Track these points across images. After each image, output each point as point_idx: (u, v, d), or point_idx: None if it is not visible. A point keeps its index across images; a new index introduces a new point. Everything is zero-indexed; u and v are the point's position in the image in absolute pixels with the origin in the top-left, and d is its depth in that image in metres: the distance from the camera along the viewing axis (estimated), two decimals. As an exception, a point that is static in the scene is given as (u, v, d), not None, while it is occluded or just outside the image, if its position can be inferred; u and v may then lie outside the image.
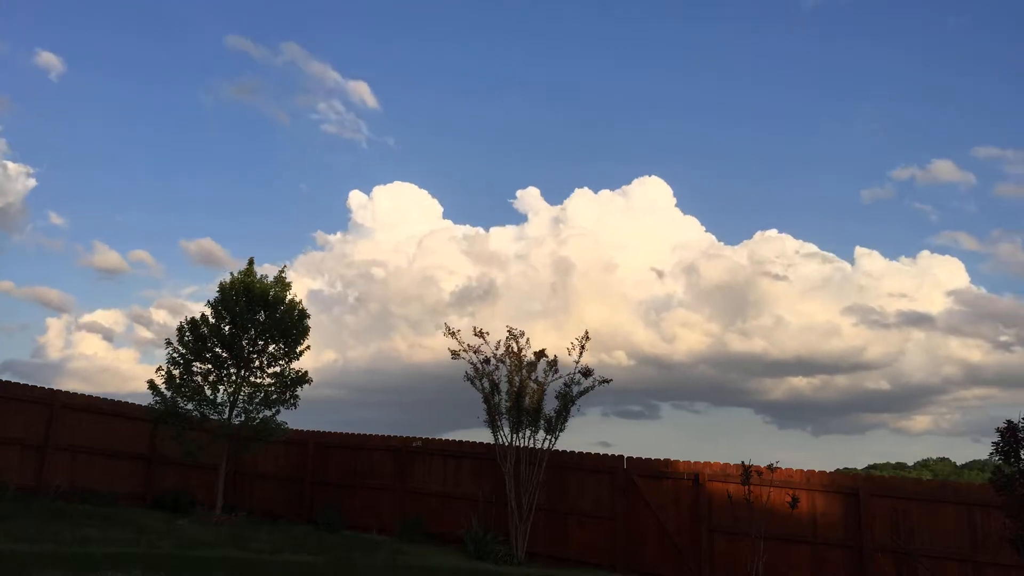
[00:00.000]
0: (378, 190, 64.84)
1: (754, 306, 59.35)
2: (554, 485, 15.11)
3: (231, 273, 16.64)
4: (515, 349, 15.26)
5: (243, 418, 15.91)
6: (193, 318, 16.11)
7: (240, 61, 70.99)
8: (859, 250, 64.38)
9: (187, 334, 15.94)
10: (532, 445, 15.03)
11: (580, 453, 15.33)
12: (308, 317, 16.95)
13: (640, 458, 14.75)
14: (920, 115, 77.21)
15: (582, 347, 15.22)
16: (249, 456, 17.28)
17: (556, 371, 15.15)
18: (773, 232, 63.64)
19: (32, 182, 60.81)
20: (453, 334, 15.59)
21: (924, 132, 74.62)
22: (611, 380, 15.20)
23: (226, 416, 15.82)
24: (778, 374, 62.92)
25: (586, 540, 14.69)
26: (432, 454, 16.72)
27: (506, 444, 15.14)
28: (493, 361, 15.32)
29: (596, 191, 68.65)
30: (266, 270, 16.39)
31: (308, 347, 16.82)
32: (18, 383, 15.50)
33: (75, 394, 16.49)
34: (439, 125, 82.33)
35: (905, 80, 75.60)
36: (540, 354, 15.22)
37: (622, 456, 14.89)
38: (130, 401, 17.56)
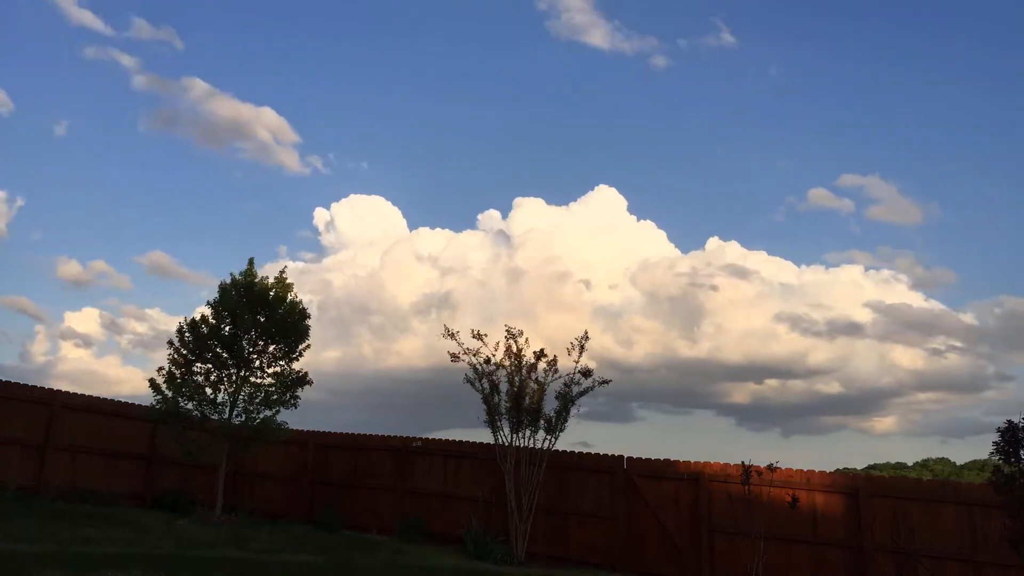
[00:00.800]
0: (336, 206, 65.15)
1: (700, 314, 60.78)
2: (554, 485, 15.11)
3: (231, 273, 16.67)
4: (515, 349, 15.27)
5: (243, 418, 15.91)
6: (193, 318, 16.13)
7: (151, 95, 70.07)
8: (780, 261, 66.26)
9: (187, 334, 15.95)
10: (532, 445, 15.04)
11: (580, 453, 15.34)
12: (308, 317, 16.97)
13: (640, 458, 14.76)
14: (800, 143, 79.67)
15: (581, 347, 15.23)
16: (249, 456, 17.28)
17: (556, 371, 15.16)
18: (717, 240, 65.26)
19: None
20: (452, 335, 15.60)
21: (804, 161, 77.38)
22: (611, 380, 15.23)
23: (226, 416, 15.83)
24: (734, 379, 64.61)
25: (586, 540, 14.69)
26: (432, 454, 16.73)
27: (506, 444, 15.14)
28: (493, 362, 15.32)
29: (554, 200, 69.73)
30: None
31: (308, 347, 16.84)
32: (18, 383, 15.51)
33: (75, 394, 16.49)
34: (396, 134, 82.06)
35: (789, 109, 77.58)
36: (540, 354, 15.23)
37: (622, 456, 14.89)
38: (128, 401, 17.60)
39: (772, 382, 67.95)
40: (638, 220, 64.12)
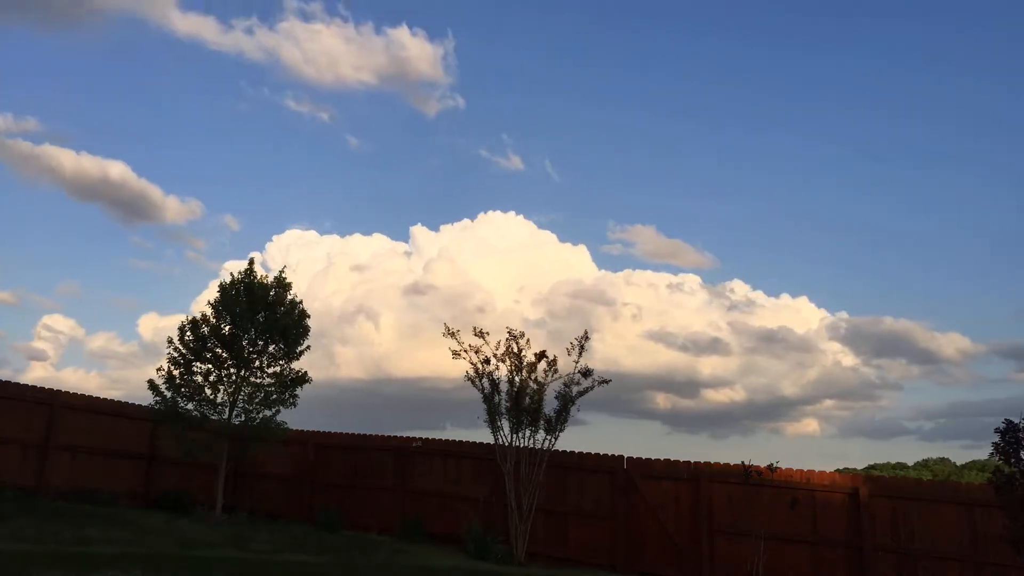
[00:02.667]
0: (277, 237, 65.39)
1: (599, 328, 62.52)
2: (554, 485, 15.11)
3: (232, 273, 16.67)
4: (515, 350, 15.26)
5: (243, 418, 15.91)
6: (194, 318, 16.11)
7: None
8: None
9: (187, 334, 15.94)
10: (532, 445, 15.03)
11: (580, 453, 15.34)
12: (308, 317, 16.96)
13: (640, 458, 14.76)
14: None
15: (581, 347, 15.23)
16: (249, 456, 17.26)
17: (556, 371, 15.16)
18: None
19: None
20: (453, 334, 15.60)
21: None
22: (610, 380, 15.22)
23: (226, 416, 15.82)
24: (649, 388, 66.43)
25: (586, 540, 14.69)
26: (432, 454, 16.72)
27: (506, 444, 15.14)
28: (493, 361, 15.32)
29: (465, 218, 71.15)
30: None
31: (308, 347, 16.83)
32: (18, 383, 15.53)
33: (75, 394, 16.51)
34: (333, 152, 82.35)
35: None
36: (540, 355, 15.22)
37: (622, 456, 14.90)
38: (128, 401, 17.60)
39: (687, 393, 70.40)
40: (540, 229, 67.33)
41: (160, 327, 64.48)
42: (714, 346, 68.02)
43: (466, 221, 66.69)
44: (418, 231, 67.23)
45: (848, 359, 70.60)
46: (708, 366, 69.79)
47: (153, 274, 77.49)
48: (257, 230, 79.42)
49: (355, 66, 68.65)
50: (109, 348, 73.69)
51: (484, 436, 15.62)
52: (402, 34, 69.65)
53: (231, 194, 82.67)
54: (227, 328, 16.00)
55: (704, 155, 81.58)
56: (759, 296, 71.02)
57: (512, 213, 63.83)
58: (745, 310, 68.44)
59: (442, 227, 71.05)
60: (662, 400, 69.19)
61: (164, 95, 72.03)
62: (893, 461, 53.23)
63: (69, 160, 61.02)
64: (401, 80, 69.66)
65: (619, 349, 64.93)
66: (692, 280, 71.71)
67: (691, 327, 67.00)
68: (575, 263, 65.14)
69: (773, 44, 76.70)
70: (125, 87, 72.31)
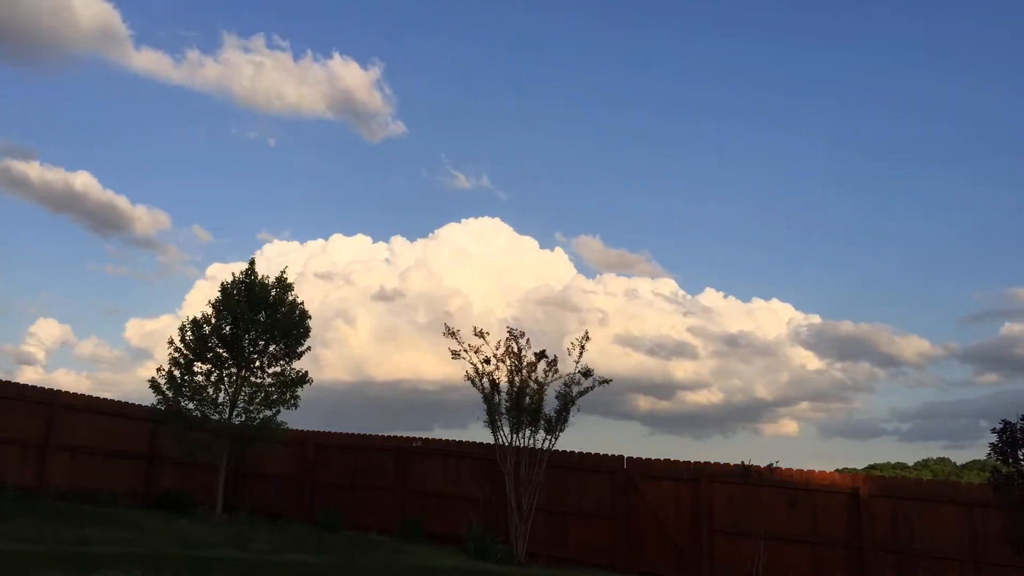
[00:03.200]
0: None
1: (570, 332, 63.22)
2: (554, 485, 15.11)
3: (233, 273, 16.68)
4: (515, 349, 15.26)
5: (243, 418, 15.91)
6: (195, 318, 16.11)
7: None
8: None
9: (188, 334, 15.95)
10: (532, 445, 15.03)
11: (580, 453, 15.35)
12: (309, 318, 16.96)
13: (640, 458, 14.76)
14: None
15: (582, 347, 15.24)
16: (249, 456, 17.28)
17: (556, 371, 15.15)
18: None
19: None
20: (453, 334, 15.60)
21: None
22: (611, 380, 15.22)
23: (227, 416, 15.83)
24: (628, 391, 67.49)
25: (586, 540, 14.69)
26: (432, 454, 16.73)
27: (506, 444, 15.14)
28: (493, 361, 15.32)
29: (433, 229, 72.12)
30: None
31: (309, 348, 16.84)
32: (18, 383, 15.54)
33: (75, 394, 16.52)
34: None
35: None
36: (540, 355, 15.22)
37: (622, 456, 14.90)
38: (129, 401, 17.61)
39: (666, 396, 71.33)
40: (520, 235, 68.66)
41: (148, 331, 64.59)
42: (682, 350, 69.56)
43: (433, 234, 67.23)
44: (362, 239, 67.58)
45: (814, 363, 71.25)
46: (680, 370, 71.18)
47: (130, 281, 78.28)
48: (230, 240, 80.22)
49: (299, 95, 69.24)
50: (97, 353, 74.10)
51: (484, 436, 15.64)
52: (337, 64, 71.17)
53: (196, 207, 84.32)
54: (228, 328, 16.01)
55: (650, 159, 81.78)
56: (725, 300, 71.90)
57: (487, 218, 64.24)
58: (709, 315, 69.22)
59: (393, 238, 71.86)
60: (643, 402, 69.88)
61: (124, 121, 74.66)
62: (893, 461, 53.34)
63: (35, 172, 61.59)
64: (344, 107, 70.32)
65: (591, 353, 65.48)
66: (653, 286, 71.95)
67: (656, 332, 67.75)
68: (550, 269, 65.68)
69: (754, 37, 76.28)
70: (89, 114, 73.29)
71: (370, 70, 74.27)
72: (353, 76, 71.03)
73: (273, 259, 60.08)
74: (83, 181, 64.78)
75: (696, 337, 68.71)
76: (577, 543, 14.76)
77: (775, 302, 71.43)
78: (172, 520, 14.55)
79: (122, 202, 69.00)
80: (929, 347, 73.17)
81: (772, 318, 68.55)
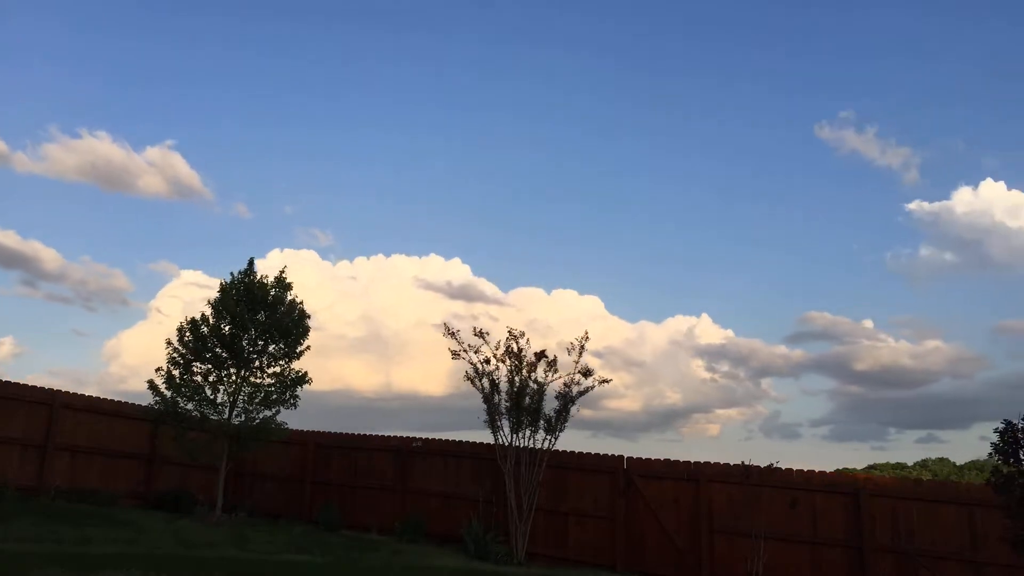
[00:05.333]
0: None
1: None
2: (554, 485, 15.12)
3: (231, 273, 16.67)
4: (515, 349, 15.26)
5: (243, 418, 15.90)
6: (193, 318, 16.10)
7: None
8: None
9: (187, 334, 15.94)
10: (532, 445, 15.04)
11: (580, 453, 15.35)
12: (308, 317, 16.95)
13: (640, 458, 14.76)
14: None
15: (582, 347, 15.24)
16: (249, 456, 17.28)
17: (556, 371, 15.16)
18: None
19: None
20: (453, 334, 15.60)
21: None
22: (611, 380, 15.24)
23: (226, 416, 15.82)
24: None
25: (586, 540, 14.70)
26: (432, 454, 16.74)
27: (506, 444, 15.14)
28: (493, 361, 15.33)
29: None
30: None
31: (308, 348, 16.82)
32: (18, 383, 15.51)
33: (75, 394, 16.49)
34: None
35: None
36: (540, 354, 15.22)
37: (622, 456, 14.90)
38: (128, 401, 17.60)
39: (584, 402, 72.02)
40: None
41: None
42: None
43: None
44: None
45: (703, 372, 71.79)
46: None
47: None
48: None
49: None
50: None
51: (484, 436, 15.64)
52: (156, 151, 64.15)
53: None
54: (227, 328, 16.00)
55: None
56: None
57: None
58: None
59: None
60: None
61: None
62: (893, 461, 53.31)
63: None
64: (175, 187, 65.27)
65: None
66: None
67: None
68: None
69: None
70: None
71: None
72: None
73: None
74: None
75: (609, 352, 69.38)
76: (577, 543, 14.76)
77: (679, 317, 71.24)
78: (172, 520, 14.54)
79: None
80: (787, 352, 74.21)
81: (660, 332, 68.44)
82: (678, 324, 67.02)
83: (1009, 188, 56.33)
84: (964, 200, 59.31)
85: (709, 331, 65.04)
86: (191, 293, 52.99)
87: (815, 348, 71.23)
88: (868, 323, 66.48)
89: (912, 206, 64.04)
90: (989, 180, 58.80)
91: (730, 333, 66.15)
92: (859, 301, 73.22)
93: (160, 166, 61.09)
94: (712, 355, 66.94)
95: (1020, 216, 55.97)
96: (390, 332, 62.34)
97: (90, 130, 64.58)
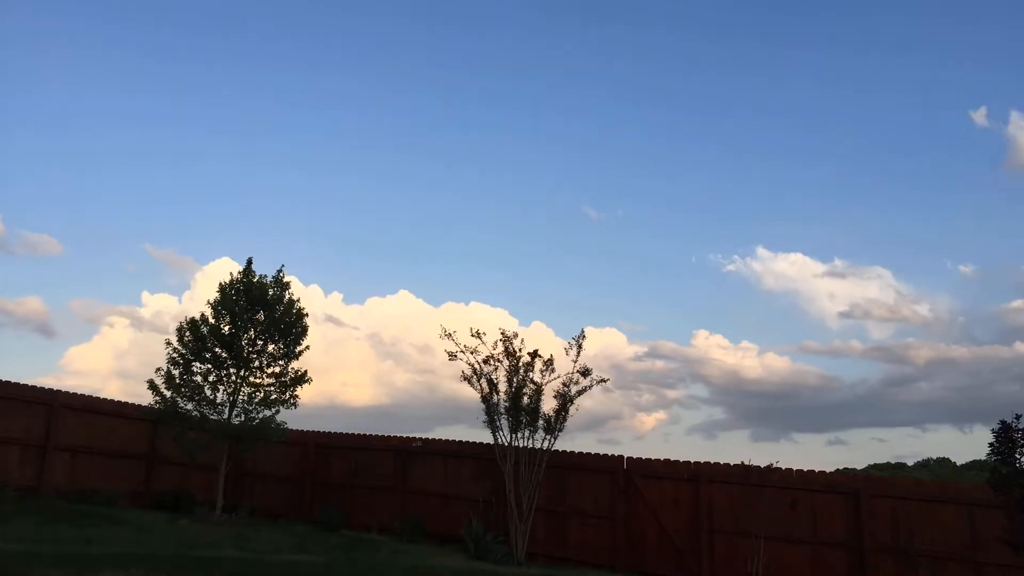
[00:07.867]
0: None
1: None
2: (554, 485, 15.12)
3: (231, 273, 16.66)
4: (511, 350, 15.26)
5: (243, 418, 15.91)
6: (193, 318, 16.10)
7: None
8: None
9: (186, 334, 15.94)
10: (531, 445, 15.04)
11: (580, 453, 15.35)
12: (307, 316, 16.95)
13: (640, 458, 14.77)
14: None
15: (579, 346, 15.23)
16: (249, 456, 17.28)
17: (553, 371, 15.15)
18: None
19: None
20: (450, 335, 15.59)
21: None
22: (608, 379, 15.26)
23: (226, 416, 15.83)
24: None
25: (586, 540, 14.70)
26: (432, 454, 16.74)
27: (505, 444, 15.15)
28: (491, 361, 15.31)
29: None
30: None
31: (307, 347, 16.82)
32: (18, 383, 15.52)
33: (75, 394, 16.50)
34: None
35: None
36: (534, 354, 15.21)
37: (622, 456, 14.91)
38: (128, 401, 17.61)
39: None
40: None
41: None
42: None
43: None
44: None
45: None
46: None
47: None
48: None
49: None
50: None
51: (484, 436, 15.64)
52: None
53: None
54: (227, 328, 16.01)
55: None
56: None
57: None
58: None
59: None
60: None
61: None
62: (893, 461, 53.32)
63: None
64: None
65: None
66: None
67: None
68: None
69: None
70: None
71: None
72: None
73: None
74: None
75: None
76: (577, 543, 14.76)
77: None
78: (172, 520, 14.54)
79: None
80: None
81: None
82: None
83: None
84: None
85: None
86: None
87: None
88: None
89: None
90: None
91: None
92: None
93: None
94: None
95: None
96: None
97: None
